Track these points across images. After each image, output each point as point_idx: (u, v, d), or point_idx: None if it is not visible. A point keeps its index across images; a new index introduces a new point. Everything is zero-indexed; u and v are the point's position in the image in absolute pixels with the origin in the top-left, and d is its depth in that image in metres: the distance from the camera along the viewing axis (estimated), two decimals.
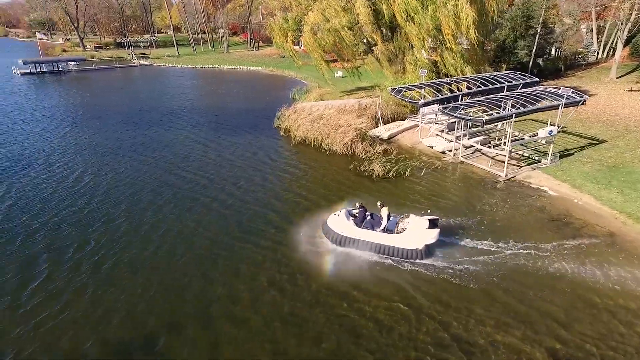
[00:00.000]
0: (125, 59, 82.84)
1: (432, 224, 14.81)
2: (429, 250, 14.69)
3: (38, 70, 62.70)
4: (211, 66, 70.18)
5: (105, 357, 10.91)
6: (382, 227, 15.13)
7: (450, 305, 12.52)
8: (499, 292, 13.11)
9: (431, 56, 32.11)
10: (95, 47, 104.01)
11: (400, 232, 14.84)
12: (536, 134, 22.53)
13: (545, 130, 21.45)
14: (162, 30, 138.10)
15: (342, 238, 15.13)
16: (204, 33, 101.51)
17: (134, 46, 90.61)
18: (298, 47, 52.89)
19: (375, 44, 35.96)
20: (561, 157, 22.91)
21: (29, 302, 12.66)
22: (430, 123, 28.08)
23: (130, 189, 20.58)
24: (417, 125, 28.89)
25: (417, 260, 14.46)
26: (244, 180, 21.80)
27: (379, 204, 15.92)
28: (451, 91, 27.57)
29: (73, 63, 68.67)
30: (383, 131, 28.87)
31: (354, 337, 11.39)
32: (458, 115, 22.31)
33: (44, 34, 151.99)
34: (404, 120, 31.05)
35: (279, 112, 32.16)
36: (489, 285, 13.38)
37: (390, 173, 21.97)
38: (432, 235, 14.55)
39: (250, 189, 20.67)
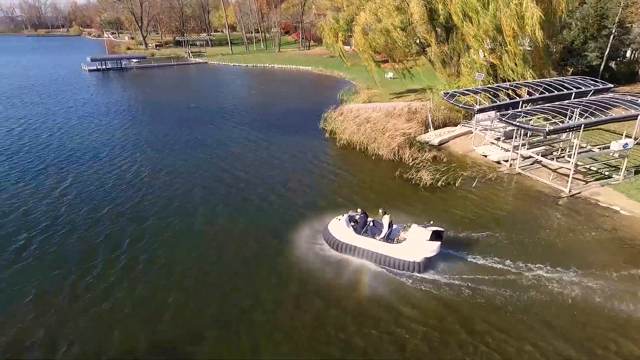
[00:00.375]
0: (182, 56, 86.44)
1: (436, 236, 13.98)
2: (429, 264, 13.77)
3: (103, 67, 66.93)
4: (262, 65, 71.32)
5: (153, 353, 11.00)
6: (382, 235, 14.46)
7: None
8: (559, 337, 11.35)
9: (489, 59, 30.18)
10: (156, 46, 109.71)
11: (399, 242, 14.12)
12: (608, 146, 20.32)
13: (620, 143, 19.24)
14: (218, 30, 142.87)
15: (340, 244, 14.62)
16: (258, 32, 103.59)
17: (191, 44, 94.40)
18: (348, 47, 52.22)
19: (429, 45, 34.54)
20: (636, 172, 20.50)
21: (87, 293, 13.07)
22: (485, 130, 26.36)
23: (183, 186, 21.00)
24: (470, 132, 27.25)
25: (415, 274, 13.56)
26: (293, 181, 21.67)
27: (380, 211, 15.17)
28: (510, 97, 25.68)
29: (135, 60, 72.80)
30: (433, 137, 27.54)
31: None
32: (518, 124, 20.61)
33: (112, 33, 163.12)
34: (456, 126, 29.44)
35: (325, 113, 31.74)
36: (544, 324, 11.69)
37: (439, 182, 20.77)
38: (432, 248, 13.62)
39: (299, 190, 20.52)
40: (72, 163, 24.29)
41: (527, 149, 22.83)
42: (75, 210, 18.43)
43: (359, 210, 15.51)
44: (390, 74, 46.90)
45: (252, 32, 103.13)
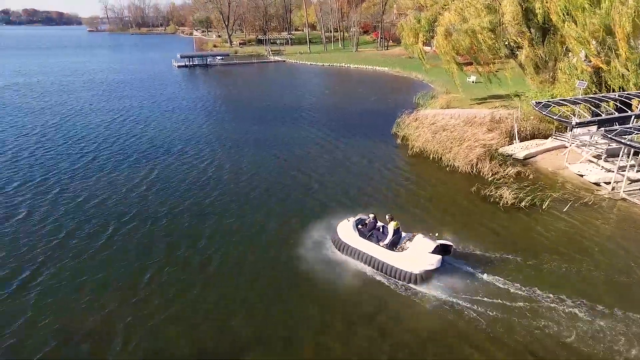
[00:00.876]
0: (263, 54, 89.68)
1: (441, 249, 13.52)
2: (428, 277, 13.23)
3: (191, 63, 71.79)
4: (338, 64, 71.22)
5: (222, 355, 10.96)
6: (386, 241, 14.12)
7: None
8: None
9: (594, 63, 26.53)
10: (240, 44, 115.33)
11: (401, 251, 13.82)
12: None
13: None
14: (299, 28, 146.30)
15: (344, 245, 14.67)
16: (337, 31, 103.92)
17: (271, 43, 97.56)
18: (428, 48, 49.84)
19: (519, 48, 31.41)
20: None
21: (143, 291, 13.41)
22: (583, 145, 23.18)
23: (247, 187, 21.26)
24: (563, 147, 24.18)
25: (411, 285, 13.18)
26: (356, 189, 20.90)
27: (387, 217, 14.78)
28: (617, 110, 22.25)
29: (219, 58, 77.10)
30: (518, 150, 24.92)
31: None
32: (628, 143, 17.66)
33: (202, 31, 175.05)
34: (546, 138, 26.36)
35: (399, 117, 30.41)
36: None
37: (523, 202, 18.57)
38: (432, 261, 13.11)
39: (362, 200, 19.64)
40: (160, 155, 25.89)
41: (637, 171, 19.55)
42: (158, 203, 19.32)
43: (371, 215, 15.34)
44: (472, 78, 43.84)
45: (331, 31, 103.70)
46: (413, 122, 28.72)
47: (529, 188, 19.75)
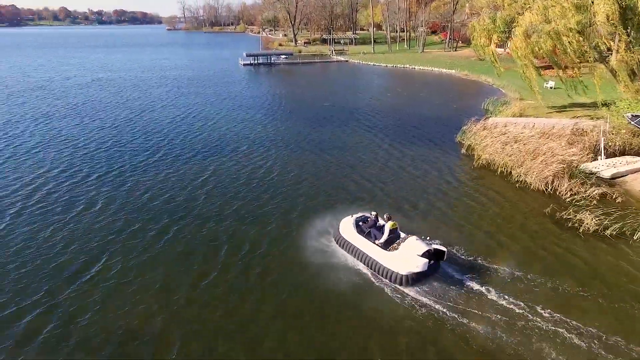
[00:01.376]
0: (326, 54, 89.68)
1: (432, 254, 13.46)
2: (415, 280, 13.08)
3: (256, 62, 73.65)
4: (402, 65, 69.01)
5: None
6: (381, 240, 14.12)
7: None
8: None
9: None
10: (304, 43, 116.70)
11: (392, 251, 13.66)
12: None
13: None
14: (364, 28, 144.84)
15: (341, 240, 14.99)
16: (403, 31, 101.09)
17: (335, 42, 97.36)
18: (501, 50, 46.40)
19: (610, 51, 27.76)
20: None
21: (203, 295, 13.05)
22: None
23: (308, 191, 20.65)
24: None
25: (398, 286, 13.12)
26: (409, 203, 19.38)
27: (385, 216, 14.69)
28: None
29: (283, 57, 78.34)
30: (604, 167, 21.89)
31: None
32: None
33: (269, 30, 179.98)
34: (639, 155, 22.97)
35: (465, 125, 28.29)
36: None
37: (608, 230, 16.09)
38: (418, 264, 12.84)
39: (424, 215, 18.30)
40: (215, 154, 26.31)
41: None
42: (208, 203, 19.38)
43: (373, 213, 15.23)
44: (551, 83, 39.94)
45: (397, 31, 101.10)
46: (481, 130, 26.52)
47: (616, 214, 17.12)
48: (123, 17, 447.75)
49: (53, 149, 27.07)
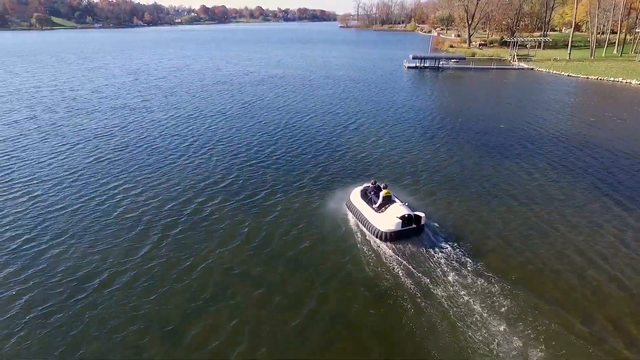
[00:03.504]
0: (505, 59, 77.94)
1: (411, 218, 16.04)
2: (392, 238, 15.88)
3: (422, 65, 68.09)
4: (611, 79, 54.04)
5: None
6: (376, 205, 16.91)
7: None
8: None
9: None
10: (479, 45, 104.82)
11: (380, 212, 16.46)
12: None
13: None
14: (555, 28, 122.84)
15: (350, 204, 18.23)
16: (613, 33, 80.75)
17: (519, 45, 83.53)
18: None
19: None
20: None
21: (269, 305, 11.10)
22: None
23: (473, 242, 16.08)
24: None
25: (377, 240, 16.05)
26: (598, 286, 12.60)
27: (382, 185, 17.59)
28: None
29: (452, 60, 70.56)
30: None
31: None
32: None
33: (440, 29, 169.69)
34: None
35: None
36: None
37: None
38: (394, 223, 15.77)
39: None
40: (353, 178, 23.29)
41: None
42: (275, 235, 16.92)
43: (377, 183, 18.27)
44: None
45: (605, 33, 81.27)
46: None
47: None
48: (304, 15, 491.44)
49: (225, 143, 28.74)
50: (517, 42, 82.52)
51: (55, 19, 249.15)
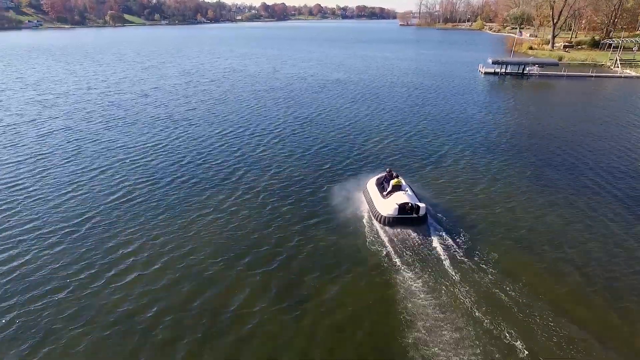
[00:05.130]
0: (602, 64, 66.28)
1: (410, 207, 16.66)
2: (391, 223, 16.75)
3: (502, 70, 58.94)
4: None
5: None
6: (385, 192, 17.89)
7: None
8: None
9: None
10: (564, 46, 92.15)
11: (385, 198, 17.43)
12: None
13: None
14: None
15: (365, 190, 19.31)
16: None
17: (619, 48, 70.67)
18: None
19: None
20: None
21: None
22: None
23: None
24: None
25: (377, 223, 17.16)
26: None
27: (394, 174, 18.44)
28: None
29: (536, 66, 60.42)
30: None
31: None
32: None
33: (511, 28, 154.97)
34: None
35: None
36: None
37: None
38: (393, 208, 16.61)
39: None
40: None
41: None
42: None
43: (387, 169, 19.27)
44: None
45: None
46: None
47: None
48: (363, 12, 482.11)
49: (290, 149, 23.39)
50: (620, 44, 69.57)
51: (126, 16, 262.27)
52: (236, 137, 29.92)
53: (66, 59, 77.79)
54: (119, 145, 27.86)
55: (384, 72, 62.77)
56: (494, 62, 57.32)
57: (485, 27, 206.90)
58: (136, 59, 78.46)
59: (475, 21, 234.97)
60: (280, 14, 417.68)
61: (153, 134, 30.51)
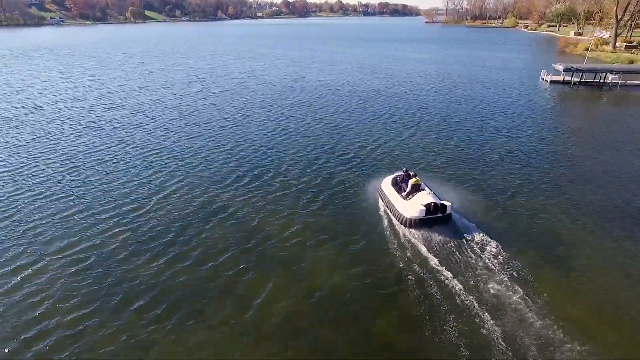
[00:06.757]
0: None
1: (434, 207, 15.93)
2: (416, 225, 15.92)
3: (574, 79, 48.47)
4: None
5: None
6: (404, 193, 17.08)
7: None
8: None
9: None
10: (626, 46, 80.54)
11: (407, 200, 16.58)
12: None
13: None
14: None
15: (380, 191, 18.51)
16: None
17: None
18: None
19: None
20: None
21: None
22: None
23: None
24: None
25: (400, 225, 16.31)
26: None
27: (411, 173, 17.76)
28: None
29: (615, 74, 49.77)
30: None
31: None
32: None
33: (549, 26, 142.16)
34: None
35: None
36: None
37: None
38: (418, 210, 15.83)
39: None
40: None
41: None
42: None
43: (404, 169, 18.54)
44: None
45: None
46: None
47: None
48: (385, 10, 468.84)
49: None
50: None
51: (147, 13, 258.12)
52: (246, 191, 21.35)
53: (69, 60, 70.79)
54: (72, 198, 19.63)
55: (430, 81, 52.71)
56: (566, 70, 46.82)
57: (518, 24, 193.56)
58: (144, 60, 70.95)
59: (506, 18, 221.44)
60: (301, 10, 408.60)
61: (129, 179, 21.86)
